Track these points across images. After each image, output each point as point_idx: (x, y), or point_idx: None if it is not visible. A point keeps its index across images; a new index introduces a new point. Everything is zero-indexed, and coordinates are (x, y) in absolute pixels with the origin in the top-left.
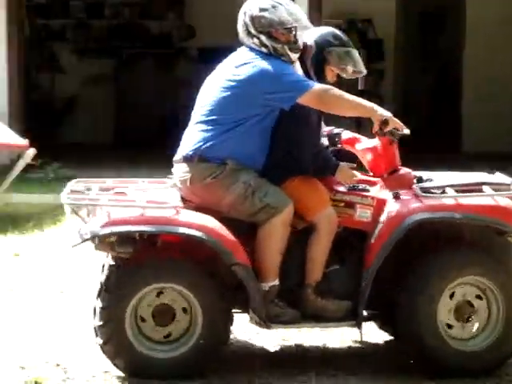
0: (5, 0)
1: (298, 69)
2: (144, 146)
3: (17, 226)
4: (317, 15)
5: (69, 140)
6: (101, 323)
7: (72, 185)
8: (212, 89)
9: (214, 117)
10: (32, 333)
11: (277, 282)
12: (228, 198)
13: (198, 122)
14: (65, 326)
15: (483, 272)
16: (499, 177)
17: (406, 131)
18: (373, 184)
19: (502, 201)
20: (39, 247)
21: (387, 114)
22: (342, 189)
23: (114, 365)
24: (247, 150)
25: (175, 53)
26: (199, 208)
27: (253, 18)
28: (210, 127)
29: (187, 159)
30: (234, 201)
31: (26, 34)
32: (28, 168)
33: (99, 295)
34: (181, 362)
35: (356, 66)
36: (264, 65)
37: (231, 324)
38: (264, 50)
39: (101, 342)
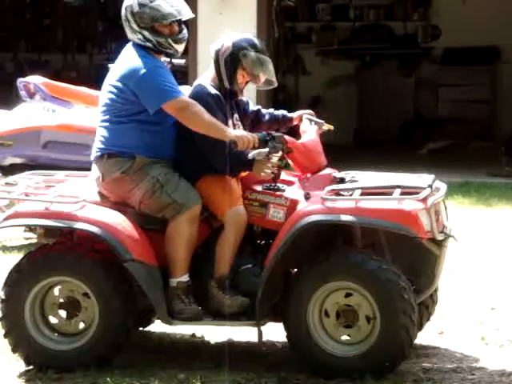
0: (255, 4)
1: (180, 62)
2: (385, 146)
3: None
4: None
5: None
6: (1, 315)
7: (16, 177)
8: (104, 87)
9: (108, 115)
10: None
11: (185, 278)
12: (137, 192)
13: (100, 121)
14: None
15: (353, 278)
16: (422, 180)
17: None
18: (292, 184)
19: (408, 205)
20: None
21: (236, 134)
22: (258, 188)
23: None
24: (152, 143)
25: (419, 53)
26: (116, 204)
27: (134, 14)
28: (108, 124)
29: (97, 158)
30: (143, 195)
31: (274, 37)
32: None
33: (2, 287)
34: (81, 353)
35: (268, 75)
36: (136, 65)
37: (131, 316)
38: (149, 44)
39: (3, 333)
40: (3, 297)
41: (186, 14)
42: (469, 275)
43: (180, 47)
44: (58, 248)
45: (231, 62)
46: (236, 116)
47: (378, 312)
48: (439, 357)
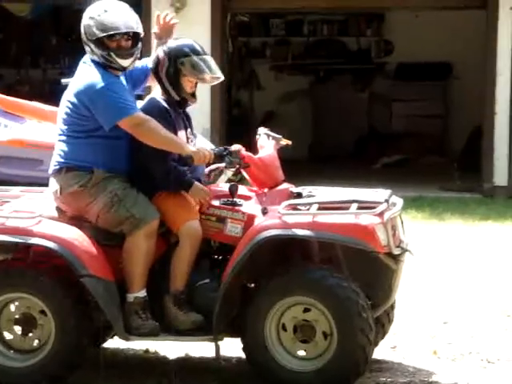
0: (209, 19)
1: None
2: (339, 161)
3: None
4: None
5: None
6: None
7: None
8: (62, 102)
9: (66, 129)
10: None
11: (142, 294)
12: (95, 206)
13: (58, 135)
14: None
15: (312, 293)
16: (379, 194)
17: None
18: (250, 199)
19: (365, 219)
20: None
21: (192, 149)
22: (215, 203)
23: None
24: (111, 157)
25: (373, 69)
26: (73, 219)
27: (84, 26)
28: (66, 139)
29: (56, 172)
30: (101, 209)
31: (228, 52)
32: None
33: None
34: (34, 371)
35: (212, 72)
36: (90, 81)
37: (88, 335)
38: (95, 57)
39: None
40: None
41: (133, 27)
42: (421, 289)
43: (125, 62)
44: (16, 264)
45: (172, 73)
46: (189, 130)
47: (336, 329)
48: (392, 371)
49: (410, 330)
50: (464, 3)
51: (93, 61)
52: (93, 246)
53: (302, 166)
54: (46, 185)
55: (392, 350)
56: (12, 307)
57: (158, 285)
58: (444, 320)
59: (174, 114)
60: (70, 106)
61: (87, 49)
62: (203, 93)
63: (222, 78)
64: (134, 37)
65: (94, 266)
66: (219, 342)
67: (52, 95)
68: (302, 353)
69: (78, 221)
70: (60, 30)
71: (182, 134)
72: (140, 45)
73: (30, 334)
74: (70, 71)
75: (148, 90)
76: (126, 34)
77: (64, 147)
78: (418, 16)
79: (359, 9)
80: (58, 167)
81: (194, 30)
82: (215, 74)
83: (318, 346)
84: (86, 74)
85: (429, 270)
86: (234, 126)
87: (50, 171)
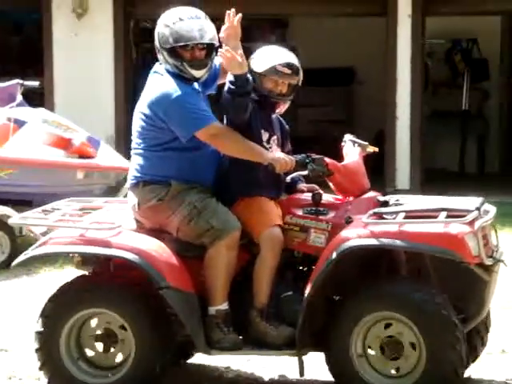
0: (112, 25)
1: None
2: None
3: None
4: (419, 35)
5: None
6: (37, 347)
7: (54, 204)
8: (135, 113)
9: (141, 143)
10: None
11: (224, 307)
12: (174, 219)
13: (133, 149)
14: None
15: (399, 308)
16: (470, 202)
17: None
18: (334, 208)
19: (454, 228)
20: None
21: (273, 157)
22: (298, 212)
23: None
24: (188, 169)
25: None
26: (152, 231)
27: (158, 34)
28: (142, 152)
29: (133, 186)
30: (180, 222)
31: (132, 58)
32: None
33: (38, 319)
34: None
35: (284, 59)
36: (165, 92)
37: (169, 351)
38: (168, 66)
39: (38, 365)
40: (39, 328)
41: (207, 38)
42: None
43: (198, 73)
44: (95, 279)
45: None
46: (277, 135)
47: (424, 346)
48: None
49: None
50: (365, 11)
51: (165, 70)
52: (173, 258)
53: None
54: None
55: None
56: (92, 323)
57: (240, 298)
58: None
59: (257, 115)
60: (145, 118)
61: (160, 57)
62: (107, 98)
63: (297, 63)
64: (209, 47)
65: (174, 278)
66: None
67: None
68: (393, 371)
69: (157, 232)
70: None
71: (264, 135)
72: (214, 55)
73: (112, 350)
74: None
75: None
76: (200, 44)
77: (140, 161)
78: (319, 22)
79: (263, 15)
80: (134, 181)
81: (97, 36)
82: (286, 60)
83: (409, 358)
84: (158, 85)
85: None
86: None
87: (127, 185)
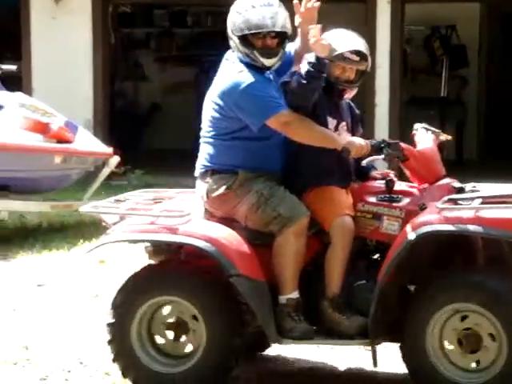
0: (90, 10)
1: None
2: None
3: (101, 233)
4: (400, 22)
5: (151, 147)
6: (109, 338)
7: (127, 194)
8: (206, 102)
9: (210, 131)
10: None
11: (295, 295)
12: (242, 207)
13: (202, 137)
14: None
15: (476, 299)
16: None
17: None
18: (408, 195)
19: None
20: (124, 254)
21: (348, 141)
22: (371, 199)
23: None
24: (256, 158)
25: None
26: (222, 219)
27: (230, 21)
28: (211, 141)
29: (201, 175)
30: (248, 210)
31: (110, 43)
32: (112, 175)
33: (109, 310)
34: (187, 377)
35: (352, 46)
36: (235, 80)
37: (241, 339)
38: (239, 54)
39: (111, 357)
40: (111, 320)
41: (279, 26)
42: None
43: (268, 61)
44: (166, 267)
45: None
46: (346, 122)
47: (506, 339)
48: None
49: None
50: None
51: (237, 58)
52: (243, 246)
53: (187, 157)
54: None
55: None
56: (164, 311)
57: (312, 287)
58: None
59: (323, 102)
60: (215, 106)
61: (232, 44)
62: (85, 83)
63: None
64: (281, 35)
65: (244, 266)
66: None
67: None
68: (473, 365)
69: (227, 221)
70: None
71: (331, 123)
72: (286, 44)
73: (183, 339)
74: None
75: None
76: (272, 32)
77: (208, 150)
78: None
79: None
80: (203, 170)
81: (75, 21)
82: (354, 46)
83: (489, 350)
84: (229, 73)
85: None
86: (118, 117)
87: (196, 174)
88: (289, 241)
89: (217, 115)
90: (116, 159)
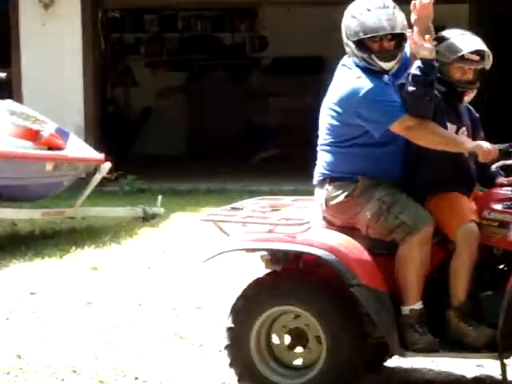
0: (80, 15)
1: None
2: (216, 156)
3: (94, 240)
4: None
5: (143, 152)
6: (227, 343)
7: (243, 202)
8: (323, 109)
9: (329, 138)
10: (110, 347)
11: (418, 306)
12: (363, 216)
13: (320, 145)
14: (143, 339)
15: None
16: None
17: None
18: None
19: None
20: (117, 261)
21: (475, 144)
22: (497, 207)
23: None
24: (376, 165)
25: (248, 64)
26: (342, 227)
27: (345, 26)
28: (329, 148)
29: (320, 183)
30: (369, 219)
31: (101, 49)
32: (103, 181)
33: (228, 315)
34: None
35: (473, 46)
36: (355, 86)
37: (360, 351)
38: (356, 59)
39: (228, 362)
40: (230, 324)
41: (396, 28)
42: None
43: (387, 65)
44: (286, 276)
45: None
46: (466, 127)
47: None
48: None
49: None
50: None
51: (354, 63)
52: (364, 255)
53: (180, 162)
54: None
55: None
56: (283, 321)
57: (436, 297)
58: None
59: (442, 106)
60: (333, 113)
61: (347, 50)
62: (76, 90)
63: (485, 49)
64: (398, 38)
65: (365, 276)
66: (505, 361)
67: None
68: None
69: (347, 229)
70: None
71: (451, 128)
72: (404, 46)
73: (301, 350)
74: None
75: None
76: (389, 34)
77: (326, 157)
78: (289, 11)
79: (232, 5)
80: (321, 178)
81: (65, 27)
82: (476, 47)
83: None
84: (347, 80)
85: None
86: (109, 123)
87: (315, 182)
88: (413, 250)
89: (335, 122)
90: (107, 165)
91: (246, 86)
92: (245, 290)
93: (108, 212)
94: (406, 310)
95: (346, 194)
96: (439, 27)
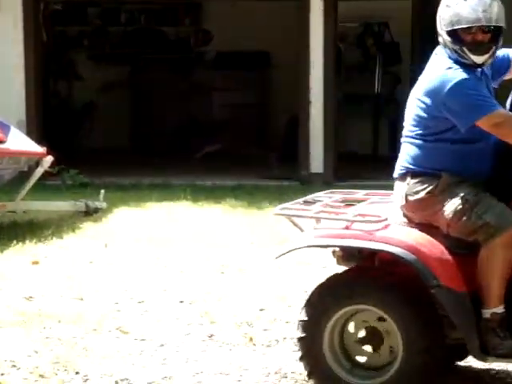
0: (21, 7)
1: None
2: (160, 151)
3: (35, 234)
4: (332, 19)
5: (86, 146)
6: (300, 336)
7: (315, 195)
8: (410, 99)
9: (414, 131)
10: (51, 342)
11: (500, 310)
12: (444, 214)
13: (404, 137)
14: (84, 333)
15: None
16: None
17: None
18: None
19: None
20: (59, 255)
21: None
22: None
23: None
24: (461, 162)
25: (192, 58)
26: (420, 225)
27: (439, 15)
28: (413, 141)
29: (401, 177)
30: (451, 218)
31: (43, 41)
32: (45, 175)
33: (303, 307)
34: None
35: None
36: (443, 78)
37: (437, 353)
38: (447, 50)
39: (299, 355)
40: (304, 317)
41: (492, 20)
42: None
43: (479, 59)
44: (366, 273)
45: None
46: None
47: None
48: None
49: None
50: None
51: (446, 54)
52: (445, 255)
53: (123, 156)
54: None
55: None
56: (357, 320)
57: None
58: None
59: None
60: (421, 104)
61: (440, 39)
62: (17, 83)
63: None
64: (495, 30)
65: (446, 277)
66: None
67: None
68: None
69: (426, 227)
70: None
71: None
72: (500, 40)
73: (377, 351)
74: None
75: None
76: (484, 26)
77: (410, 150)
78: (233, 6)
79: None
80: (403, 171)
81: (6, 19)
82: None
83: None
84: (436, 69)
85: None
86: (52, 117)
87: (395, 175)
88: (496, 252)
89: (422, 114)
90: (50, 159)
91: (190, 80)
92: (321, 284)
93: (50, 206)
94: (487, 313)
95: (427, 190)
96: (382, 23)
